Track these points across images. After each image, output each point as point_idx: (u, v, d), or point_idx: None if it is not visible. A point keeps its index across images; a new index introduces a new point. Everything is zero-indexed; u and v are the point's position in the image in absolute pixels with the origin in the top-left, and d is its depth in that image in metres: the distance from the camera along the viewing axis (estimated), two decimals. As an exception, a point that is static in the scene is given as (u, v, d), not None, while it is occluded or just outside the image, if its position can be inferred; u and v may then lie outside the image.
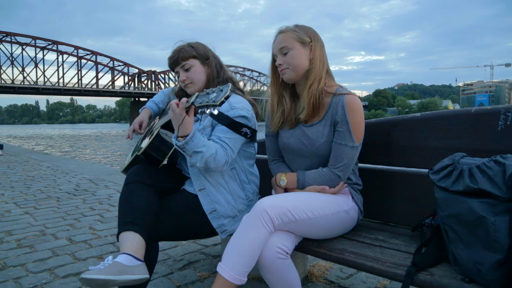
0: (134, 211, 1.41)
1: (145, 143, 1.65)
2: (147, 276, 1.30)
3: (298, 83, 1.47)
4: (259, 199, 1.77)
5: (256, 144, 1.72)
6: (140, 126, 1.81)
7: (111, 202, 3.99)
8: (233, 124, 1.48)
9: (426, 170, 1.44)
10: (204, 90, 1.31)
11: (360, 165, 1.59)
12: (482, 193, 0.95)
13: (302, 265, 1.88)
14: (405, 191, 1.50)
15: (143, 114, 1.83)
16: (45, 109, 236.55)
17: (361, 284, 1.89)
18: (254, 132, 1.58)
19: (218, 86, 1.28)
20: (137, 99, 79.18)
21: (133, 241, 1.34)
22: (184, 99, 1.31)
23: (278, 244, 1.21)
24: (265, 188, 1.73)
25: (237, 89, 1.63)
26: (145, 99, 77.53)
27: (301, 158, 1.48)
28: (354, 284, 1.88)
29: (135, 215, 1.40)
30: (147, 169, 1.58)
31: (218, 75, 1.63)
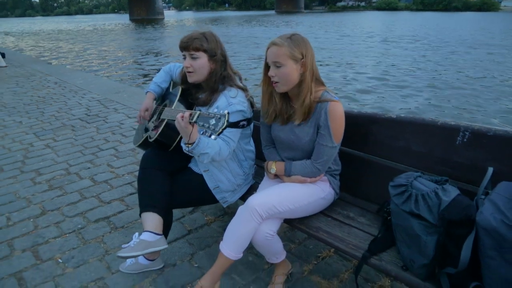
0: (152, 195, 1.73)
1: (152, 129, 1.86)
2: (166, 246, 1.70)
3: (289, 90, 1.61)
4: (255, 165, 2.05)
5: (252, 125, 1.93)
6: (147, 111, 1.97)
7: (123, 131, 4.30)
8: (233, 124, 1.67)
9: (395, 164, 1.70)
10: (206, 112, 1.41)
11: (343, 148, 1.83)
12: (421, 216, 1.23)
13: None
14: (377, 176, 1.77)
15: (148, 100, 1.97)
16: (37, 0, 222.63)
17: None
18: (250, 120, 1.78)
19: (216, 114, 1.36)
20: (134, -13, 73.72)
21: (153, 220, 1.69)
22: (187, 115, 1.47)
23: (267, 230, 1.55)
24: (261, 152, 1.93)
25: (236, 86, 1.78)
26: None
27: (289, 149, 1.72)
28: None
29: (152, 198, 1.73)
30: (159, 154, 1.85)
31: (220, 71, 1.75)
